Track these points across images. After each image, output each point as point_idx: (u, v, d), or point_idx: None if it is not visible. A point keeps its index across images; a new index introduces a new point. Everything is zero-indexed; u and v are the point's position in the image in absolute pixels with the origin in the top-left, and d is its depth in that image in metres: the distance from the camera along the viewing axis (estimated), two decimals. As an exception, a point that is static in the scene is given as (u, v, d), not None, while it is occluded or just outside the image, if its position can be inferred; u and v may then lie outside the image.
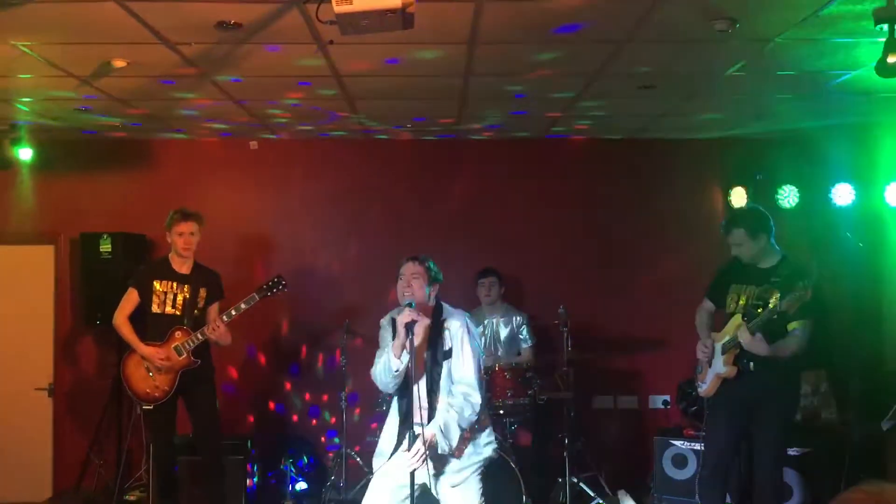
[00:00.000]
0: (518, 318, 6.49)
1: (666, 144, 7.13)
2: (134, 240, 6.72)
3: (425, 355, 3.97)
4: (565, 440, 5.99)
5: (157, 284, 5.49)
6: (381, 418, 4.46)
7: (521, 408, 5.92)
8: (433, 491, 4.00)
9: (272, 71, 4.84)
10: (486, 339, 6.39)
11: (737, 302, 4.78)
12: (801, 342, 4.56)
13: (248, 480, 6.25)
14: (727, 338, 4.74)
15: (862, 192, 6.36)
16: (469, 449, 4.01)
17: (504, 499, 5.28)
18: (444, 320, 4.04)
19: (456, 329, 4.01)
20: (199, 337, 5.39)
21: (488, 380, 5.66)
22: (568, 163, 7.20)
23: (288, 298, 6.18)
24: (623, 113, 6.13)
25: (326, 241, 7.14)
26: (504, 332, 6.45)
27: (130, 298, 5.53)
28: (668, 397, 6.88)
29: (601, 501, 6.02)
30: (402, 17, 3.05)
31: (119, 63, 4.59)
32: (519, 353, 6.42)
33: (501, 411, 5.81)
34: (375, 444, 4.18)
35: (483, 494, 4.04)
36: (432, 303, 4.06)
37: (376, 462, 4.10)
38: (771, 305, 4.50)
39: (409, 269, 4.02)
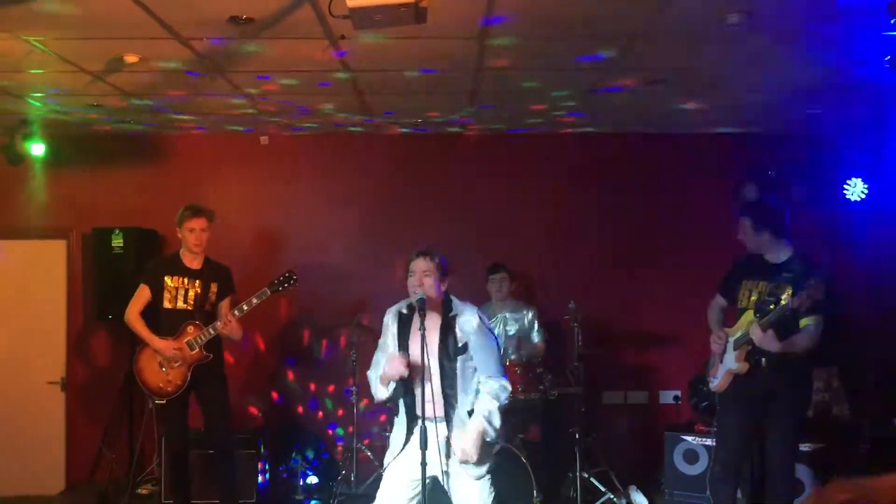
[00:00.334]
0: (529, 313, 6.49)
1: (678, 139, 7.10)
2: (145, 235, 6.76)
3: (437, 350, 3.96)
4: (576, 435, 5.98)
5: (168, 280, 5.51)
6: (389, 411, 4.47)
7: (532, 403, 5.92)
8: (445, 486, 4.02)
9: (284, 65, 4.85)
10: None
11: (748, 297, 4.75)
12: (812, 338, 4.54)
13: (259, 476, 6.28)
14: (739, 333, 4.73)
15: (874, 187, 6.34)
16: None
17: (515, 494, 5.28)
18: (456, 315, 4.03)
19: (469, 324, 4.00)
20: (212, 332, 5.41)
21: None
22: (579, 157, 7.18)
23: (299, 293, 6.20)
24: (634, 107, 6.11)
25: (337, 236, 7.15)
26: (514, 328, 6.44)
27: (142, 295, 5.55)
28: (678, 392, 6.87)
29: (612, 496, 6.02)
30: (416, 12, 3.04)
31: (131, 58, 4.59)
32: (531, 347, 6.42)
33: (512, 406, 5.80)
34: (383, 437, 4.20)
35: (493, 488, 4.06)
36: (441, 297, 4.05)
37: (388, 458, 4.12)
38: (783, 301, 4.48)
39: (421, 266, 3.98)
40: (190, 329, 5.44)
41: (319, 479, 6.60)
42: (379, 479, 4.15)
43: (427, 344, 3.81)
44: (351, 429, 6.42)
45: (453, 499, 4.03)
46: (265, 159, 7.16)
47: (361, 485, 6.11)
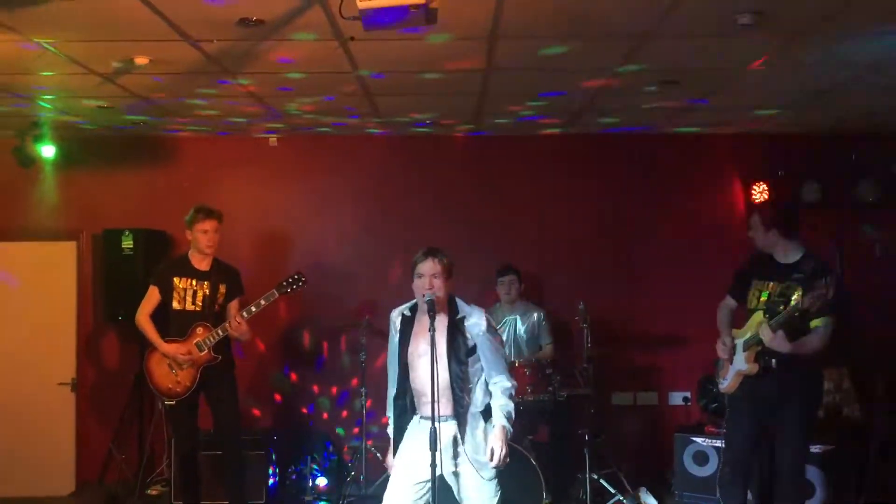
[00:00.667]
0: (537, 315, 6.47)
1: (686, 139, 7.09)
2: (155, 236, 6.78)
3: (445, 351, 3.95)
4: (585, 436, 5.97)
5: (177, 281, 5.53)
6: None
7: (541, 404, 5.90)
8: (453, 486, 4.01)
9: (295, 68, 4.85)
10: (505, 338, 6.37)
11: (758, 298, 4.73)
12: (822, 339, 4.51)
13: (269, 478, 6.28)
14: (749, 335, 4.71)
15: (884, 188, 6.31)
16: None
17: (524, 495, 5.27)
18: (463, 318, 4.01)
19: (478, 327, 3.99)
20: (221, 333, 5.43)
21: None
22: (587, 158, 7.17)
23: (307, 295, 6.20)
24: (644, 108, 6.10)
25: (345, 238, 7.15)
26: (523, 330, 6.43)
27: (152, 296, 5.57)
28: (688, 394, 6.84)
29: (621, 498, 6.00)
30: (426, 13, 3.04)
31: (141, 60, 4.60)
32: (540, 348, 6.41)
33: (521, 407, 5.78)
34: (388, 437, 4.23)
35: (499, 488, 4.06)
36: (447, 298, 4.04)
37: (390, 459, 4.15)
38: (793, 302, 4.46)
39: (430, 267, 3.95)
40: (199, 330, 5.46)
41: (329, 481, 6.59)
42: (388, 479, 4.15)
43: (436, 345, 3.80)
44: (358, 430, 6.42)
45: (461, 499, 4.03)
46: (274, 161, 7.17)
47: (371, 485, 6.11)
